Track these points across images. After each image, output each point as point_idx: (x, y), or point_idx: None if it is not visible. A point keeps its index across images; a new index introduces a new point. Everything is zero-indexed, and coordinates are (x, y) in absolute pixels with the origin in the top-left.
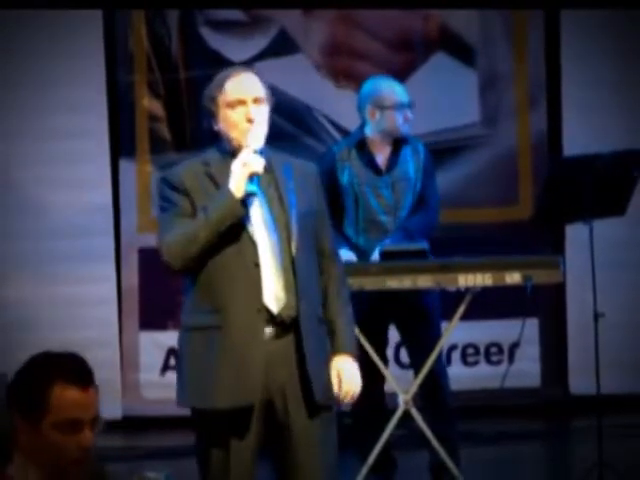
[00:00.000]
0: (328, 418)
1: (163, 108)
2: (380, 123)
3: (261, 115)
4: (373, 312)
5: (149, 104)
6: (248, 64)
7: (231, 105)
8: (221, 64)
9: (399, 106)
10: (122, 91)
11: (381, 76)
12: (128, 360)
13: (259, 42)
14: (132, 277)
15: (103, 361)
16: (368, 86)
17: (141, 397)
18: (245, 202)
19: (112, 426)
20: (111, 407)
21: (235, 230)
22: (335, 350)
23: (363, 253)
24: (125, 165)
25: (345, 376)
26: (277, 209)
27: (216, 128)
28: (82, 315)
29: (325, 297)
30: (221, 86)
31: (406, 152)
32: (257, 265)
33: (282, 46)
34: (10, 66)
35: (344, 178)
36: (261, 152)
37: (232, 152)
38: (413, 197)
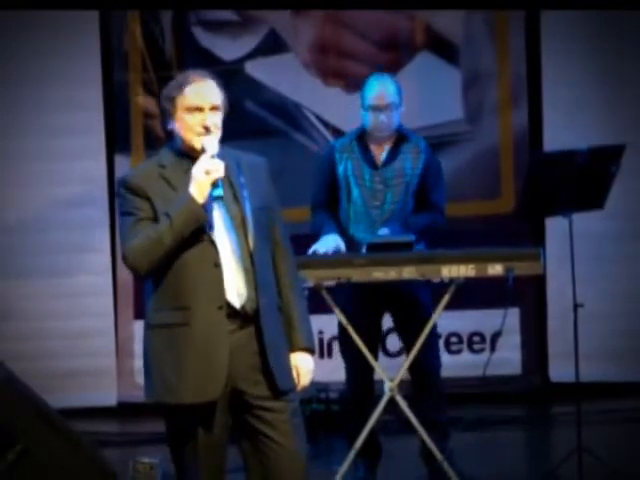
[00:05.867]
0: (294, 403)
1: (157, 105)
2: (366, 122)
3: (216, 122)
4: (369, 301)
5: (144, 102)
6: (239, 63)
7: (189, 110)
8: (213, 63)
9: (377, 107)
10: (117, 89)
11: (376, 75)
12: (123, 348)
13: (250, 41)
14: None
15: (99, 349)
16: (364, 85)
17: (136, 384)
18: (206, 206)
19: (108, 412)
20: (107, 394)
21: (195, 232)
22: (292, 345)
23: (355, 244)
24: (121, 161)
25: (301, 372)
26: (232, 207)
27: (170, 127)
28: (79, 305)
29: (279, 288)
30: (181, 89)
31: (406, 149)
32: (217, 265)
33: (272, 45)
34: (10, 65)
35: (340, 169)
36: (218, 155)
37: (185, 152)
38: (406, 194)
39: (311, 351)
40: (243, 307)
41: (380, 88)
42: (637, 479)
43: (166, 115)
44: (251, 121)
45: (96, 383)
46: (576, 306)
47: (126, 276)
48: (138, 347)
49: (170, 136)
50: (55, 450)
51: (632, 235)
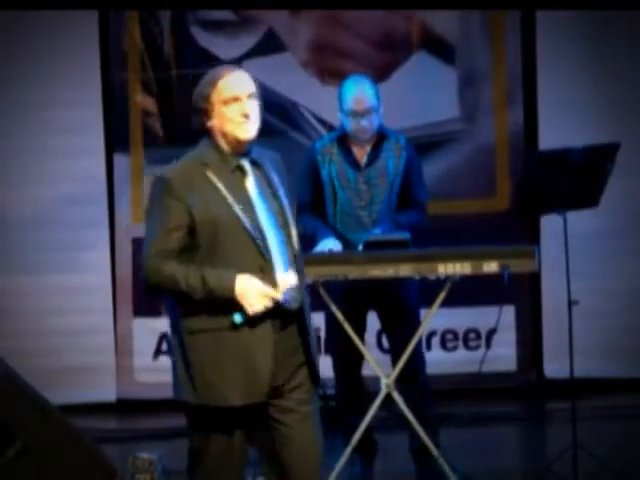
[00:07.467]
0: (315, 396)
1: (155, 104)
2: (347, 126)
3: (255, 110)
4: (353, 299)
5: (142, 100)
6: (237, 62)
7: (226, 102)
8: (211, 62)
9: (357, 112)
10: (117, 88)
11: (353, 78)
12: (122, 345)
13: (248, 41)
14: (126, 266)
15: (99, 346)
16: (341, 88)
17: (135, 381)
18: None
19: (107, 409)
20: (106, 390)
21: (239, 238)
22: None
23: (349, 244)
24: (120, 159)
25: None
26: (275, 206)
27: (209, 124)
28: (79, 303)
29: None
30: (214, 85)
31: (387, 148)
32: (262, 269)
33: (270, 45)
34: (10, 66)
35: (324, 172)
36: (255, 154)
37: (228, 149)
38: (390, 192)
39: None
40: (290, 306)
41: (359, 92)
42: (631, 475)
43: (201, 115)
44: None
45: (95, 380)
46: (571, 303)
47: (125, 273)
48: (137, 344)
49: (167, 135)
50: (55, 447)
51: (626, 233)
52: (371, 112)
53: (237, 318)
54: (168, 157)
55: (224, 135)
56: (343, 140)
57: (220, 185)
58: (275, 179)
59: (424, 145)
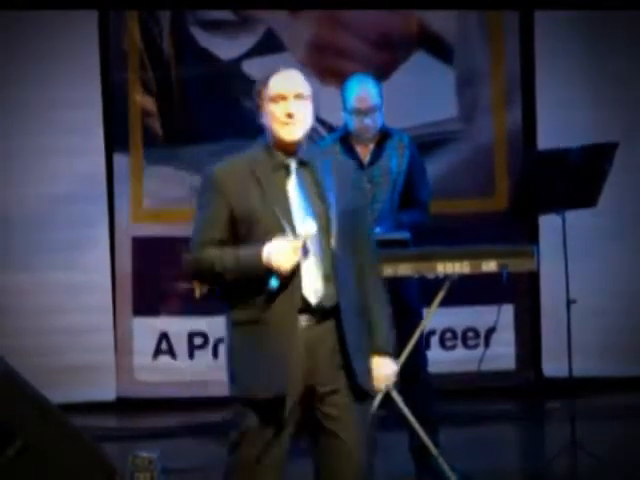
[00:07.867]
0: (366, 403)
1: (155, 104)
2: (350, 124)
3: (302, 111)
4: None
5: (142, 100)
6: (236, 62)
7: (273, 100)
8: (210, 62)
9: (361, 111)
10: (116, 88)
11: (357, 77)
12: (122, 344)
13: (247, 41)
14: (126, 265)
15: (98, 345)
16: (344, 87)
17: (134, 380)
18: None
19: (106, 407)
20: (106, 389)
21: (273, 234)
22: (372, 348)
23: None
24: (119, 159)
25: (375, 375)
26: (317, 205)
27: (261, 121)
28: (79, 301)
29: (362, 293)
30: (266, 81)
31: (390, 146)
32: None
33: (269, 45)
34: (10, 66)
35: None
36: (306, 154)
37: (274, 146)
38: (393, 191)
39: (390, 355)
40: (320, 303)
41: (362, 91)
42: (629, 474)
43: (256, 110)
44: (248, 120)
45: (95, 378)
46: (569, 302)
47: (125, 273)
48: (137, 343)
49: (166, 134)
50: (55, 446)
51: (624, 232)
52: (374, 110)
53: (273, 282)
54: (168, 157)
55: (272, 132)
56: (346, 139)
57: (262, 181)
58: (327, 182)
59: (423, 145)
